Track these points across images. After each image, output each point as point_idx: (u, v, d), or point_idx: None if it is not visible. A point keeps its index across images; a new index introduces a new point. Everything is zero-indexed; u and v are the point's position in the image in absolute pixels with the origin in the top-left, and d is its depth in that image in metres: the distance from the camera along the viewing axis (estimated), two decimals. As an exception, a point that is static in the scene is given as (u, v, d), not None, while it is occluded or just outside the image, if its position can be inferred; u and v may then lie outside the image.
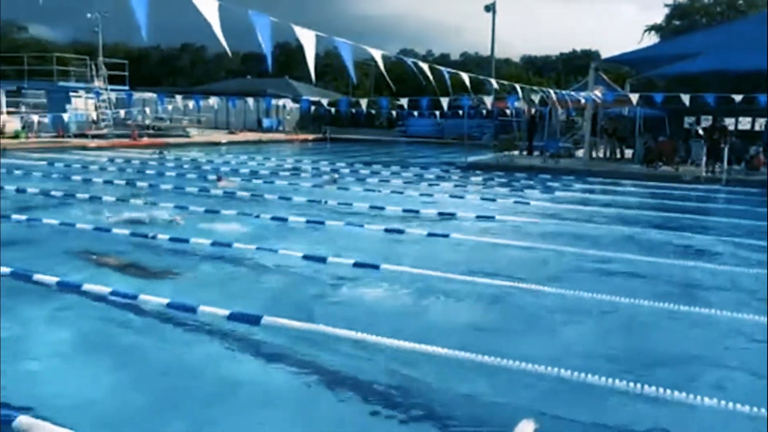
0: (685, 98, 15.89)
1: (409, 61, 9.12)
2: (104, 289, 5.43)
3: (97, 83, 29.63)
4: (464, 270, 6.65)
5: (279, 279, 6.60)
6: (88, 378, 4.12)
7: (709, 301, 5.69)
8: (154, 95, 29.53)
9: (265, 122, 39.80)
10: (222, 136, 32.23)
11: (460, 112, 27.46)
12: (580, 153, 21.84)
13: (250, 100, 26.39)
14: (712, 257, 7.79)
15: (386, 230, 8.72)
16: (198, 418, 3.63)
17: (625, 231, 9.24)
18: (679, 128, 21.83)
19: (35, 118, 26.12)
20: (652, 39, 36.28)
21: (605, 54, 37.96)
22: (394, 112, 33.90)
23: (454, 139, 31.84)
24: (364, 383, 4.08)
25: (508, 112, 26.56)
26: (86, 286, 5.50)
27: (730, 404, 3.50)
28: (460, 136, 27.59)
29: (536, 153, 22.89)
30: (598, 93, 19.09)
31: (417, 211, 10.58)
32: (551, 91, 16.88)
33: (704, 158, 16.95)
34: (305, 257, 6.88)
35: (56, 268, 6.16)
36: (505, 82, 14.94)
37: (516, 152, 23.30)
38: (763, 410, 3.42)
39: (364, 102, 21.09)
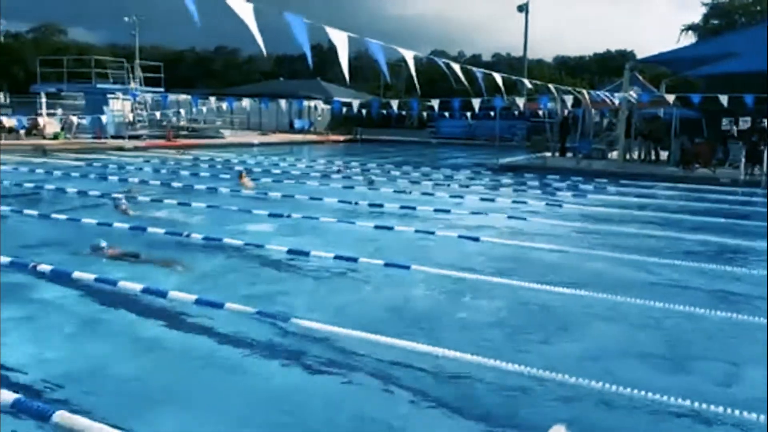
0: (724, 99, 15.56)
1: (441, 62, 9.11)
2: (136, 287, 5.51)
3: (134, 85, 30.20)
4: (494, 272, 6.62)
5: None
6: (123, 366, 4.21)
7: (747, 308, 5.54)
8: (189, 97, 30.01)
9: (297, 123, 40.12)
10: (255, 137, 32.59)
11: (492, 113, 27.30)
12: (613, 155, 21.52)
13: (283, 102, 26.65)
14: (752, 263, 7.58)
15: (416, 231, 8.72)
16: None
17: (661, 234, 9.07)
18: (716, 130, 21.38)
19: (74, 119, 26.76)
20: (690, 39, 35.65)
21: (640, 54, 37.43)
22: (425, 114, 33.86)
23: (485, 140, 31.67)
24: (397, 386, 4.09)
25: (540, 113, 26.32)
26: (121, 284, 5.59)
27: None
28: (492, 137, 27.43)
29: (569, 155, 22.64)
30: (633, 94, 18.80)
31: (448, 211, 10.54)
32: (584, 92, 16.68)
33: (743, 160, 16.57)
34: (336, 257, 6.90)
35: (92, 267, 6.29)
36: (539, 83, 14.81)
37: (548, 154, 23.07)
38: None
39: (395, 103, 21.12)
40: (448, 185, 15.08)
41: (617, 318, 5.42)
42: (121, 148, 23.75)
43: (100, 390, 3.93)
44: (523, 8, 36.59)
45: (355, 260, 6.79)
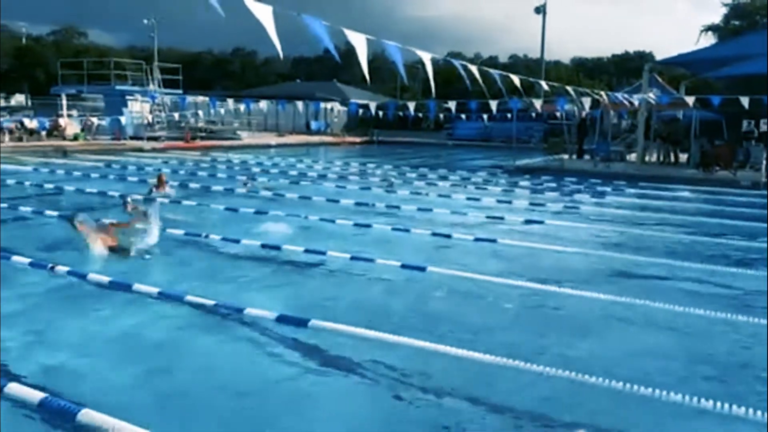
0: (744, 101, 15.36)
1: (458, 63, 9.09)
2: (152, 290, 5.56)
3: (152, 87, 30.48)
4: (511, 274, 6.59)
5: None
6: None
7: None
8: (206, 99, 30.15)
9: (313, 125, 40.26)
10: (271, 139, 32.75)
11: (508, 115, 27.17)
12: (632, 157, 21.33)
13: (299, 104, 26.77)
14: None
15: (433, 234, 8.71)
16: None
17: (680, 237, 8.98)
18: (736, 132, 21.11)
19: (94, 120, 27.08)
20: (709, 40, 35.26)
21: (659, 55, 37.10)
22: (441, 115, 33.79)
23: (502, 141, 31.54)
24: (414, 387, 4.09)
25: (557, 114, 26.16)
26: (136, 286, 5.64)
27: None
28: (508, 139, 27.31)
29: (586, 157, 22.48)
30: (651, 95, 18.62)
31: (464, 213, 10.51)
32: (602, 93, 16.56)
33: (764, 162, 16.34)
34: (353, 258, 6.93)
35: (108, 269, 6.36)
36: (556, 84, 14.73)
37: (565, 156, 22.93)
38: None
39: (411, 105, 21.09)
40: (465, 187, 15.04)
41: (636, 320, 5.37)
42: (139, 150, 23.99)
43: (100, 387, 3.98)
44: (540, 9, 36.44)
45: (371, 261, 6.82)
